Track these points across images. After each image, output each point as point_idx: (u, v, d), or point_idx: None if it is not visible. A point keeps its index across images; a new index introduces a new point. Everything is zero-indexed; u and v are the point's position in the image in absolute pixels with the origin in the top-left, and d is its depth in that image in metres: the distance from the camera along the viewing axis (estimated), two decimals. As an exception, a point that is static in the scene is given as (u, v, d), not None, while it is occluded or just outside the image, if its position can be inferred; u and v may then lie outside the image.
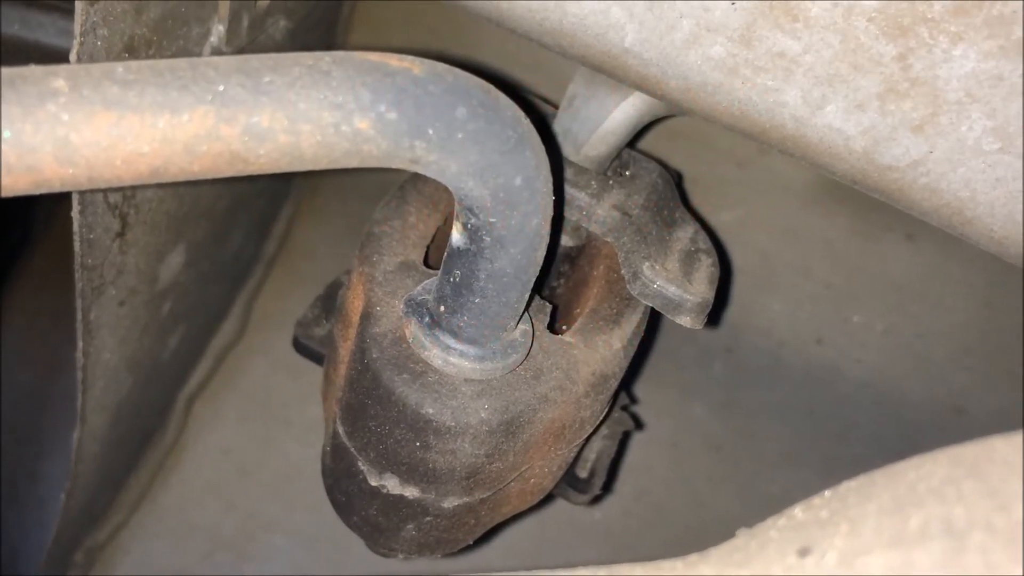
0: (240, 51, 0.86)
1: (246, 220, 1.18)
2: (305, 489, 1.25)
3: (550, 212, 0.60)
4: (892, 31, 0.62)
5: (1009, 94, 0.63)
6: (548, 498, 0.86)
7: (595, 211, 0.78)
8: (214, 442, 1.30)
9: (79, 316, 0.81)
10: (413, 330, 0.67)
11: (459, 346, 0.66)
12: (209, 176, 0.49)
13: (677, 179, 0.93)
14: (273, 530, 1.27)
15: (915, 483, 0.38)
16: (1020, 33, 0.60)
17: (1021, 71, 0.61)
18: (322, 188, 1.35)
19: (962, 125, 0.65)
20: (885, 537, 0.35)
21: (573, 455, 0.82)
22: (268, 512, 1.28)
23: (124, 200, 0.81)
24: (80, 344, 0.83)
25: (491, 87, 0.54)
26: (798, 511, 0.43)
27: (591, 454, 0.92)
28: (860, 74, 0.65)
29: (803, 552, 0.37)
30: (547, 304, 0.75)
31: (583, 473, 0.90)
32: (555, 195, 0.59)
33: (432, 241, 0.79)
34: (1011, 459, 0.36)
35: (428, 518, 0.75)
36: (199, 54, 0.81)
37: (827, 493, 0.44)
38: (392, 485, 0.73)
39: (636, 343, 0.80)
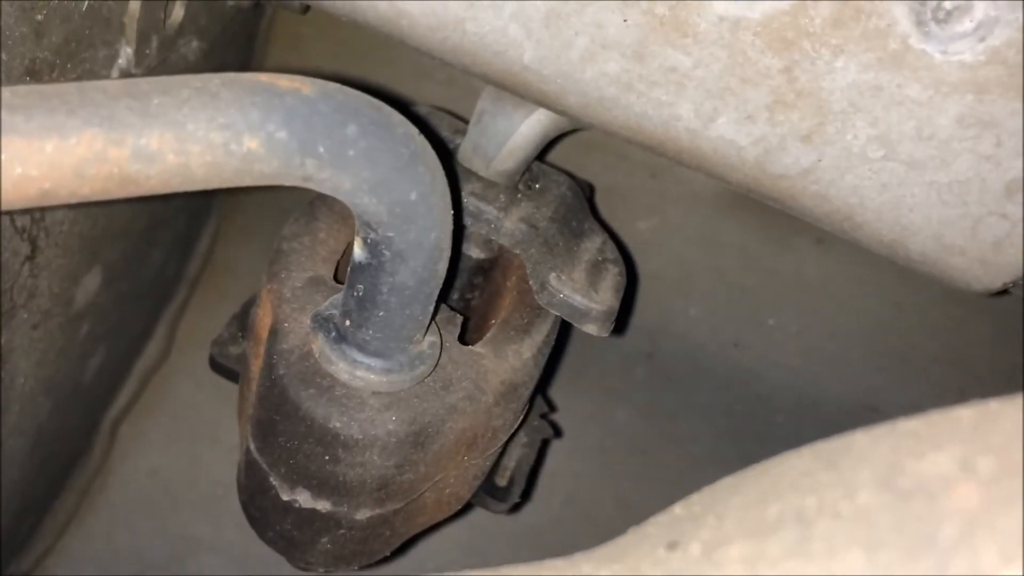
0: (151, 72, 0.87)
1: (166, 239, 1.18)
2: (235, 508, 1.24)
3: (450, 225, 0.61)
4: (777, 45, 0.65)
5: (889, 104, 0.66)
6: (467, 507, 0.87)
7: (503, 224, 0.80)
8: (141, 464, 1.29)
9: (-11, 341, 0.80)
10: (320, 345, 0.68)
11: (365, 359, 0.67)
12: (101, 198, 0.50)
13: (588, 191, 0.95)
14: (203, 551, 1.26)
15: (779, 477, 0.40)
16: (895, 45, 0.63)
17: (897, 81, 0.64)
18: (244, 205, 1.35)
19: (847, 134, 0.68)
20: (744, 528, 0.37)
21: (489, 464, 0.83)
22: (198, 532, 1.27)
23: (33, 223, 0.81)
24: (-9, 369, 0.82)
25: (383, 105, 0.56)
26: (677, 508, 0.45)
27: (510, 462, 0.93)
28: (749, 87, 0.67)
29: (671, 546, 0.39)
30: (457, 316, 0.76)
31: (502, 481, 0.92)
32: (453, 209, 0.61)
33: (343, 256, 0.80)
34: (864, 450, 0.39)
35: (342, 531, 0.75)
36: (107, 76, 0.81)
37: (705, 489, 0.46)
38: (304, 499, 0.73)
39: (547, 352, 0.81)
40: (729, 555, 0.36)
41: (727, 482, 0.44)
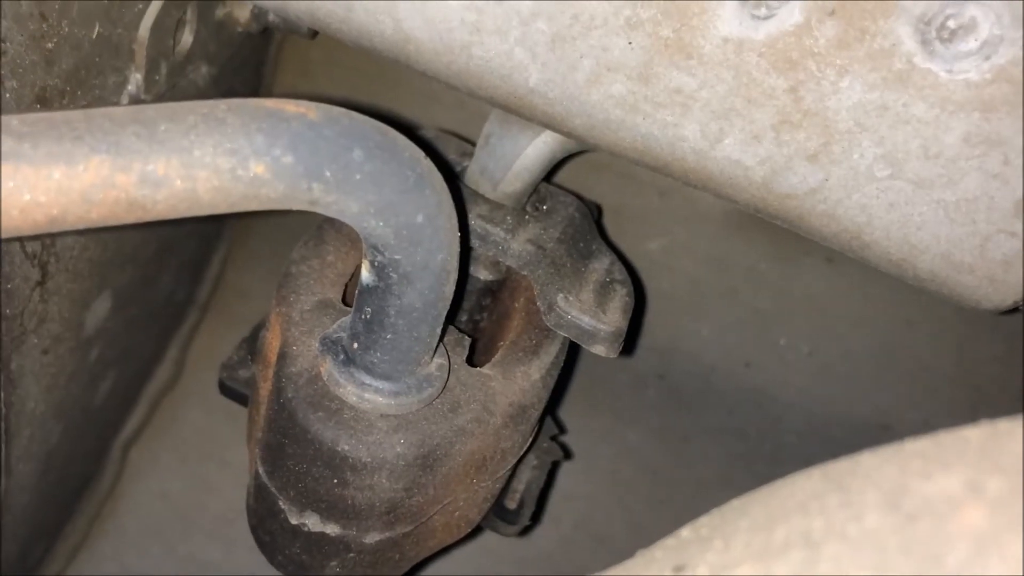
0: (160, 98, 0.87)
1: (176, 264, 1.18)
2: (245, 531, 1.23)
3: (456, 248, 0.61)
4: (782, 65, 0.65)
5: (895, 123, 0.66)
6: (477, 530, 0.86)
7: (510, 246, 0.80)
8: (152, 487, 1.29)
9: (-1, 366, 0.80)
10: (328, 368, 0.68)
11: (373, 382, 0.67)
12: (109, 224, 0.50)
13: (596, 212, 0.95)
14: (214, 573, 1.26)
15: (786, 498, 0.40)
16: (900, 64, 0.63)
17: (903, 100, 0.64)
18: (255, 229, 1.35)
19: (854, 153, 0.68)
20: (752, 551, 0.37)
21: (499, 487, 0.83)
22: (209, 556, 1.27)
23: (43, 249, 0.81)
24: (1, 394, 0.82)
25: (388, 129, 0.56)
26: (685, 531, 0.45)
27: (520, 485, 0.93)
28: (754, 107, 0.67)
29: (678, 569, 0.38)
30: (465, 337, 0.76)
31: (512, 504, 0.91)
32: (459, 231, 0.61)
33: (351, 279, 0.80)
34: (872, 471, 0.38)
35: (351, 554, 0.75)
36: (116, 103, 0.82)
37: (713, 512, 0.45)
38: (313, 523, 0.73)
39: (555, 373, 0.81)
40: None
41: (735, 504, 0.44)
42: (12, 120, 0.47)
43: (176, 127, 0.49)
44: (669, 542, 0.44)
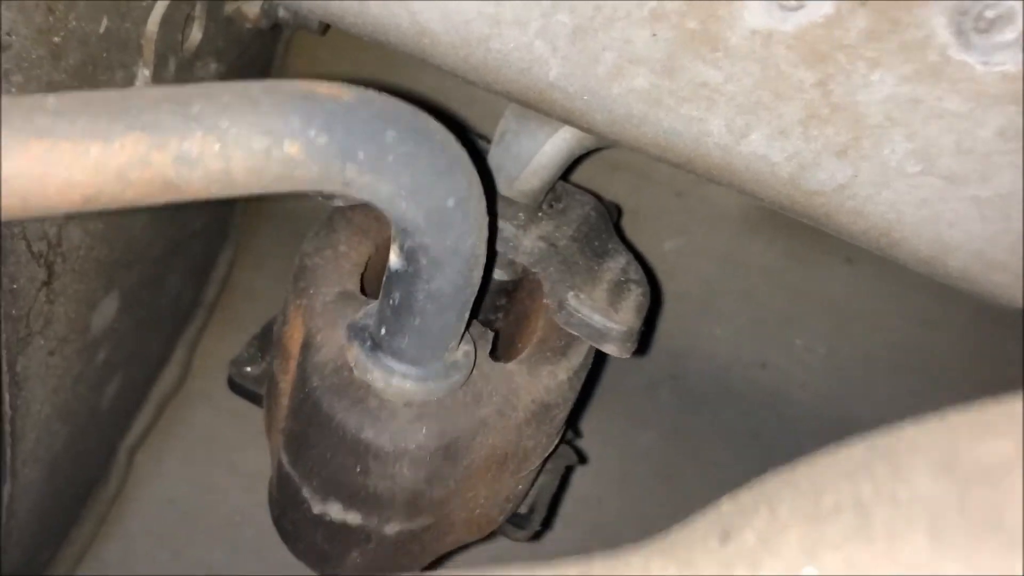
0: (168, 94, 0.86)
1: (183, 264, 1.17)
2: (251, 535, 1.24)
3: (485, 233, 0.61)
4: (811, 58, 0.63)
5: (927, 117, 0.64)
6: (489, 535, 0.85)
7: (521, 242, 0.79)
8: (158, 491, 1.27)
9: (4, 368, 0.79)
10: (355, 354, 0.68)
11: (401, 367, 0.67)
12: (143, 203, 0.49)
13: (615, 213, 0.93)
14: (220, 577, 1.25)
15: (831, 467, 0.40)
16: (934, 57, 0.61)
17: (936, 94, 0.62)
18: (262, 229, 1.34)
19: (884, 148, 0.66)
20: (800, 515, 0.37)
21: (522, 488, 0.82)
22: (214, 560, 1.25)
23: (50, 249, 0.80)
24: (6, 397, 0.81)
25: (421, 112, 0.55)
26: (724, 503, 0.44)
27: (532, 489, 0.92)
28: (782, 101, 0.66)
29: (724, 536, 0.38)
30: (488, 331, 0.75)
31: (523, 509, 0.90)
32: (488, 216, 0.60)
33: (365, 270, 0.79)
34: (918, 440, 0.39)
35: (371, 544, 0.76)
36: (124, 98, 0.80)
37: (752, 484, 0.45)
38: (335, 512, 0.74)
39: (583, 375, 0.80)
40: (787, 541, 0.36)
41: (774, 476, 0.43)
42: (48, 97, 0.47)
43: (211, 107, 0.48)
44: (710, 514, 0.44)
